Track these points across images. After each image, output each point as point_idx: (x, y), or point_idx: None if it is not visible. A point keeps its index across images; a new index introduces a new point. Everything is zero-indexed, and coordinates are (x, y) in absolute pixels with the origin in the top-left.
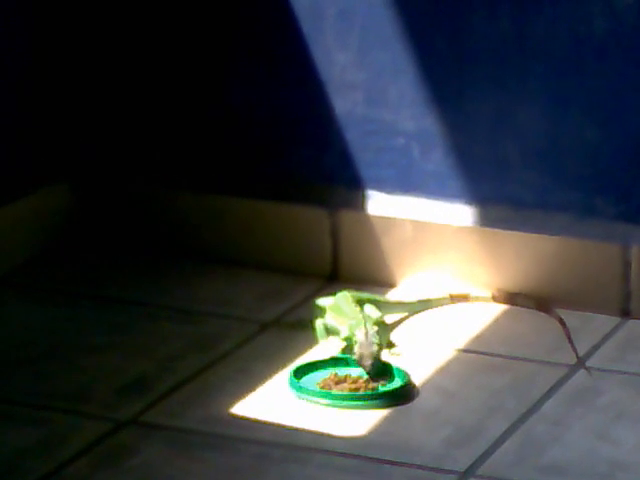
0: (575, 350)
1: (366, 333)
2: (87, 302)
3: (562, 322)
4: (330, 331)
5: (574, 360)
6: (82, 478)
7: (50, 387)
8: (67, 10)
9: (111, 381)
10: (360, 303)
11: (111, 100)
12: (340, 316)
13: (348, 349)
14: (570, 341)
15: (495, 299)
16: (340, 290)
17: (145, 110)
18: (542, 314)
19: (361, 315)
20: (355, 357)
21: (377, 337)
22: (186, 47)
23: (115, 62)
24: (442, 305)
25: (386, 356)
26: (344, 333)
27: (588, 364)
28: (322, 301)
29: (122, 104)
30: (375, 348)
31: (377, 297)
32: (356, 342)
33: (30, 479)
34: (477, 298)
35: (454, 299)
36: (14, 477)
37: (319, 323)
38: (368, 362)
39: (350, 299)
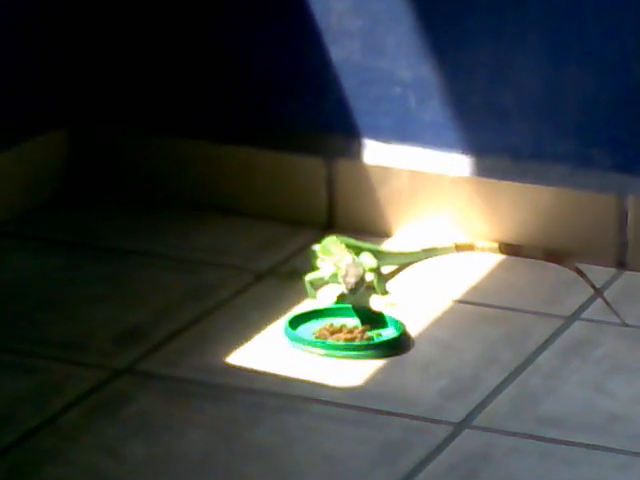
0: (593, 285)
1: (354, 259)
2: (83, 251)
3: (579, 271)
4: (316, 282)
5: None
6: (78, 426)
7: (46, 336)
8: None
9: (107, 330)
10: (356, 250)
11: (111, 48)
12: (328, 257)
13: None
14: (592, 286)
15: (501, 249)
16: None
17: (144, 58)
18: (551, 265)
19: (347, 252)
20: (340, 274)
21: (366, 266)
22: None
23: (117, 15)
24: (447, 254)
25: (381, 305)
26: (329, 271)
27: (584, 316)
28: (316, 247)
29: (122, 52)
30: (362, 271)
31: (379, 247)
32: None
33: (26, 427)
34: (483, 248)
35: (459, 248)
36: (10, 425)
37: (306, 281)
38: (352, 280)
39: (337, 241)
